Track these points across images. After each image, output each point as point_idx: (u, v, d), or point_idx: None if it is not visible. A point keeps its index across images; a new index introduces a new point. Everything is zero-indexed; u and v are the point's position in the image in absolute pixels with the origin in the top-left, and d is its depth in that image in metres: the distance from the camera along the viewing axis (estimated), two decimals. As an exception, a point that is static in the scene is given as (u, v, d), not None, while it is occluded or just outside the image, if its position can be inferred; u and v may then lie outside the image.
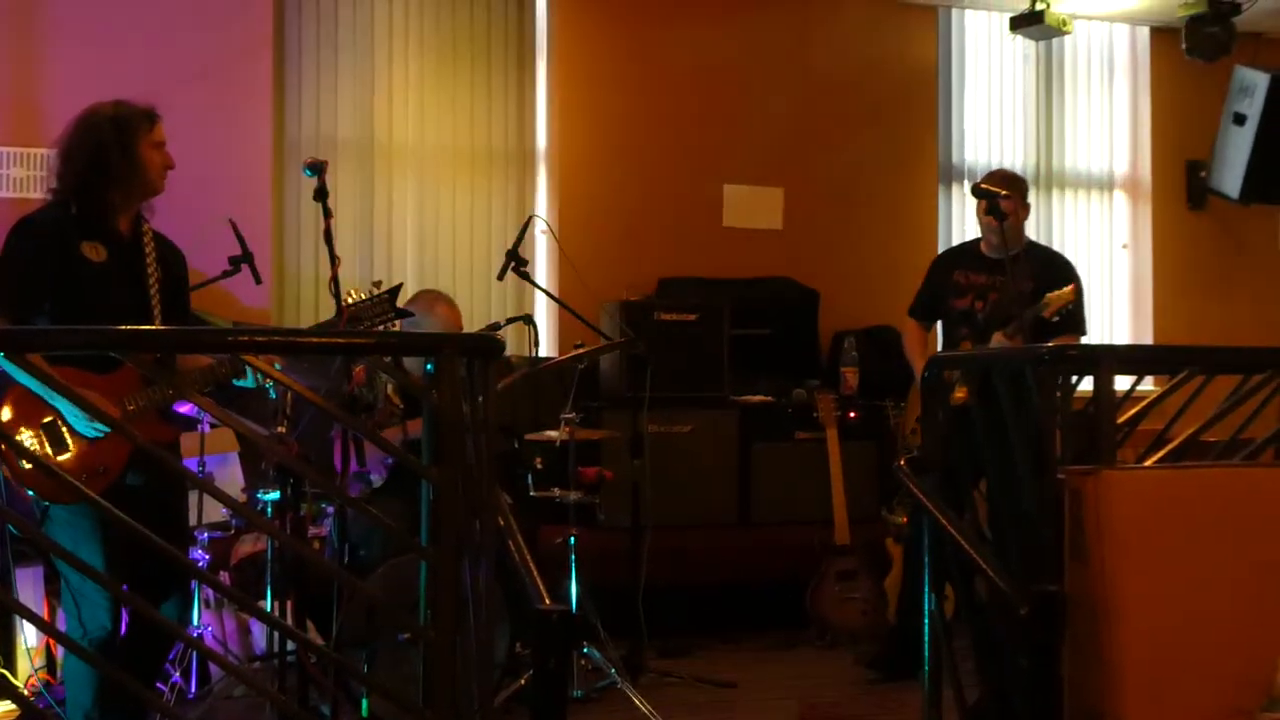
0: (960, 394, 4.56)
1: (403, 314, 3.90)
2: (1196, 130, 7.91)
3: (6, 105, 6.05)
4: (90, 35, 6.13)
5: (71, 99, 6.02)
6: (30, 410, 3.51)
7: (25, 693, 4.62)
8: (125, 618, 3.61)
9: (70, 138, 3.72)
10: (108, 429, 3.40)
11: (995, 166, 7.71)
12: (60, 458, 3.50)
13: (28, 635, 4.84)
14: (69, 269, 3.62)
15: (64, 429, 3.51)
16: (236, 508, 2.94)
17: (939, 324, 5.52)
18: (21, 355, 2.67)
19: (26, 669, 4.84)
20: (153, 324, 3.67)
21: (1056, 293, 4.90)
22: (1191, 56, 7.47)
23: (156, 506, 3.54)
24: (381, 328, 3.83)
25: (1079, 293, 5.03)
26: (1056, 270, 5.21)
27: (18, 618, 4.82)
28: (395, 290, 3.89)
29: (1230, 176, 7.77)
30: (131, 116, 3.72)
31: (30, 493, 3.52)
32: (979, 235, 5.36)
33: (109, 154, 3.66)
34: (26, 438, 3.50)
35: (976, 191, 5.08)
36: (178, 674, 4.65)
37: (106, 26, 6.16)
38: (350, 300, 3.85)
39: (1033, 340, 4.84)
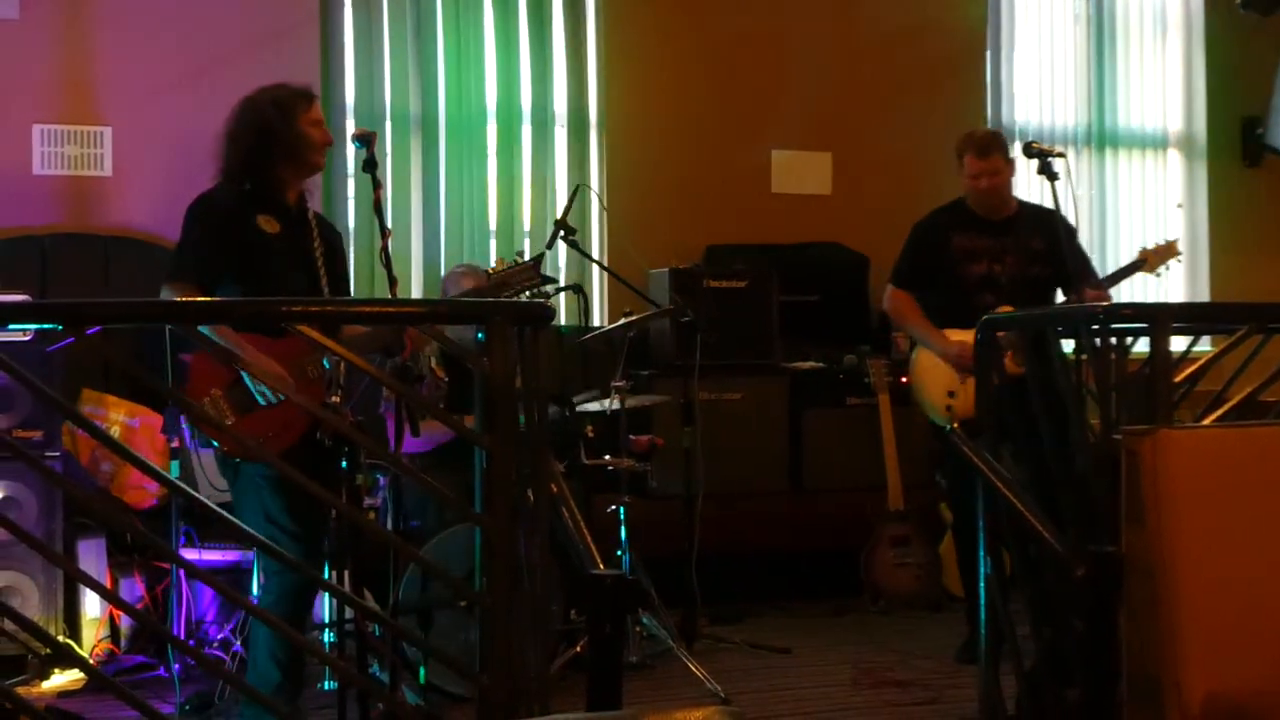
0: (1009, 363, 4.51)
1: (548, 279, 4.12)
2: (1252, 86, 7.78)
3: (60, 84, 6.10)
4: (139, 12, 6.16)
5: (123, 76, 6.14)
6: (217, 371, 3.66)
7: (91, 662, 4.72)
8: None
9: (235, 122, 3.88)
10: (283, 397, 3.54)
11: (1047, 126, 7.65)
12: (248, 416, 3.64)
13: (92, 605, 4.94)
14: (248, 240, 3.79)
15: (251, 388, 3.65)
16: (295, 478, 2.96)
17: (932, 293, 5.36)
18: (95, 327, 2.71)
19: (91, 639, 4.93)
20: (321, 294, 3.86)
21: (1155, 247, 4.88)
22: (1246, 11, 7.33)
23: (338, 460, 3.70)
24: (527, 295, 4.00)
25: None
26: (1059, 224, 4.90)
27: (83, 588, 4.91)
28: (539, 258, 4.07)
29: (1288, 132, 7.64)
30: (290, 96, 3.90)
31: (213, 444, 3.72)
32: (963, 196, 5.22)
33: (274, 133, 3.82)
34: (214, 399, 3.65)
35: (1028, 151, 5.02)
36: (239, 642, 4.72)
37: (155, 3, 6.20)
38: (495, 269, 4.04)
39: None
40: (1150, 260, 4.91)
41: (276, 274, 3.79)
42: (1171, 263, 5.00)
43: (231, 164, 3.87)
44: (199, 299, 3.61)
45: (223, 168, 3.90)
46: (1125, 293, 7.51)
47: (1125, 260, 5.30)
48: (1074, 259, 4.92)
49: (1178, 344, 3.51)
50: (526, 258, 4.08)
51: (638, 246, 5.85)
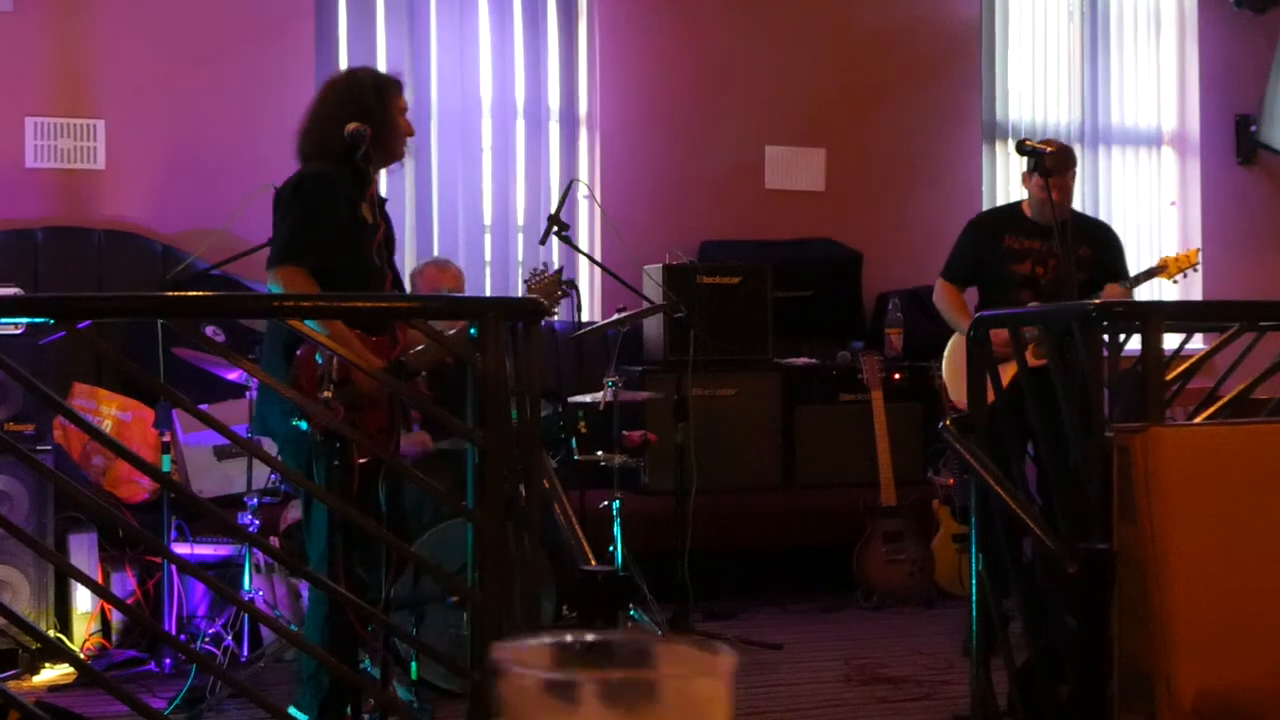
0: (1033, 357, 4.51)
1: (567, 292, 4.21)
2: (1246, 83, 7.79)
3: (53, 77, 6.09)
4: (133, 5, 6.14)
5: (116, 70, 6.12)
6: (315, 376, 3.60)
7: (82, 656, 4.71)
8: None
9: (331, 101, 3.77)
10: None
11: (1040, 124, 7.66)
12: (356, 416, 3.62)
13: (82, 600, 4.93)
14: (352, 225, 3.71)
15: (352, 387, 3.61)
16: (286, 472, 2.96)
17: (976, 289, 5.48)
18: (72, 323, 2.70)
19: (82, 633, 4.93)
20: (392, 286, 3.87)
21: (1177, 256, 5.03)
22: (1240, 8, 7.35)
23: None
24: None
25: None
26: (1108, 236, 5.33)
27: (74, 582, 4.90)
28: (560, 271, 4.18)
29: (1281, 130, 7.66)
30: (387, 82, 3.83)
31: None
32: (1019, 199, 5.40)
33: (372, 116, 3.72)
34: (325, 399, 3.58)
35: (1021, 149, 5.03)
36: (230, 637, 4.72)
37: (148, -3, 6.19)
38: (533, 281, 4.10)
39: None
40: (1170, 267, 5.13)
41: (371, 262, 3.73)
42: (1189, 270, 5.26)
43: (318, 148, 3.74)
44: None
45: (313, 150, 3.76)
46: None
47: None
48: (1115, 270, 5.19)
49: (1170, 342, 3.52)
50: (545, 266, 4.18)
51: (631, 242, 5.85)
